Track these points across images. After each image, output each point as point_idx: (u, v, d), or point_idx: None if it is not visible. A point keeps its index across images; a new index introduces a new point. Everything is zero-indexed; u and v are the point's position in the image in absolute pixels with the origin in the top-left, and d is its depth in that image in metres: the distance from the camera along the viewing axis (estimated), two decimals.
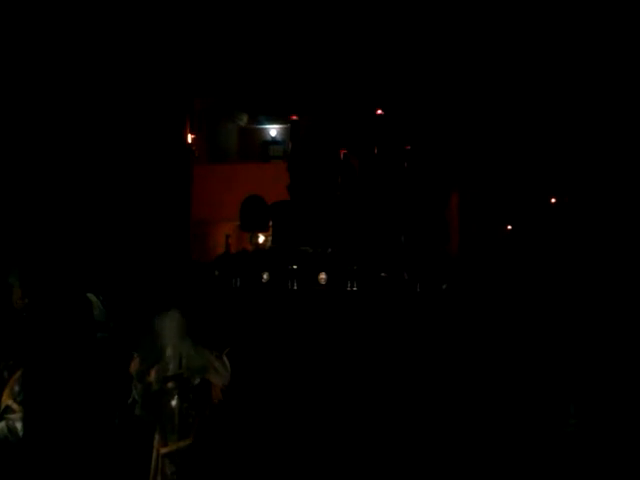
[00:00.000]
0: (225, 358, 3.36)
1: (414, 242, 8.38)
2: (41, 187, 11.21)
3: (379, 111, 8.68)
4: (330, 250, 8.44)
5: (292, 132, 9.06)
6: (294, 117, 8.90)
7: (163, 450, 3.15)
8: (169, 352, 3.29)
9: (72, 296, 7.22)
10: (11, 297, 5.57)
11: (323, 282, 8.30)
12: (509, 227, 12.53)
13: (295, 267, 8.29)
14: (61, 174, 11.69)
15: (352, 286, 8.17)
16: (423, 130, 11.45)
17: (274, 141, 18.07)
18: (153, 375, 3.29)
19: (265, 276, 8.46)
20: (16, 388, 3.12)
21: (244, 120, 18.42)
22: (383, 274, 8.14)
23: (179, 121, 16.83)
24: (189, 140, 17.28)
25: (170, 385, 3.25)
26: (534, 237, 11.87)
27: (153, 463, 3.17)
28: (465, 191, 12.86)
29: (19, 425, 3.02)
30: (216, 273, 8.11)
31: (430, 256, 8.57)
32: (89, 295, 6.99)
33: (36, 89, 11.08)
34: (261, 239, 8.98)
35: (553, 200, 12.71)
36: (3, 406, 3.03)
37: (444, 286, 7.76)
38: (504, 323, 7.06)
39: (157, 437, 3.21)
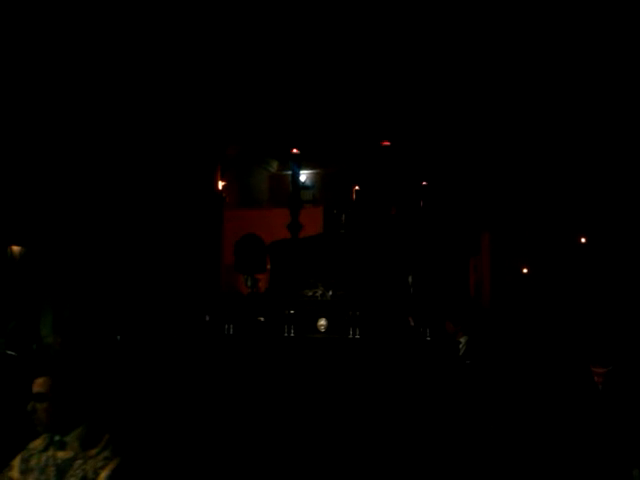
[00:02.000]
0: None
1: (424, 284, 6.97)
2: (74, 237, 10.67)
3: (386, 142, 7.52)
4: (331, 293, 7.15)
5: (293, 167, 7.99)
6: (295, 151, 7.83)
7: None
8: None
9: (104, 340, 6.28)
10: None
11: (323, 329, 7.02)
12: (525, 270, 10.85)
13: (292, 312, 7.05)
14: (89, 220, 11.11)
15: (355, 333, 6.83)
16: (445, 167, 10.21)
17: (304, 186, 17.14)
18: None
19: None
20: None
21: (274, 166, 17.65)
22: (391, 320, 6.76)
23: (210, 168, 16.29)
24: (220, 187, 16.64)
25: None
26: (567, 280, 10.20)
27: None
28: (496, 231, 11.34)
29: None
30: (207, 318, 6.95)
31: (444, 300, 7.13)
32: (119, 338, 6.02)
33: (74, 138, 10.69)
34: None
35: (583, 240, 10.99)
36: None
37: (462, 343, 6.20)
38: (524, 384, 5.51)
39: None
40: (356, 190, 9.16)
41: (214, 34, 12.32)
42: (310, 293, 7.21)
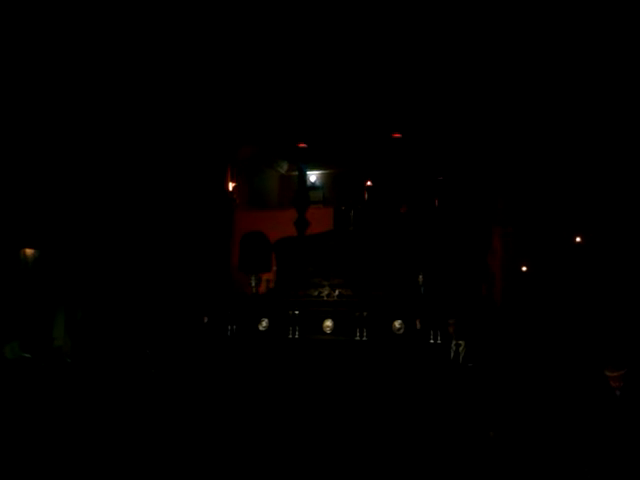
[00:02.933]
0: None
1: (435, 283, 6.48)
2: (85, 240, 10.43)
3: (397, 134, 7.05)
4: (338, 293, 6.70)
5: (299, 161, 7.57)
6: (302, 145, 7.40)
7: None
8: None
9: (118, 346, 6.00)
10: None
11: (329, 330, 6.58)
12: (524, 268, 10.21)
13: (297, 313, 6.62)
14: (101, 223, 10.85)
15: (362, 336, 6.38)
16: (462, 161, 9.63)
17: (313, 187, 16.74)
18: None
19: (264, 323, 6.84)
20: None
21: (284, 167, 17.23)
22: (399, 321, 6.29)
23: (221, 170, 15.95)
24: (230, 188, 16.29)
25: None
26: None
27: None
28: (508, 226, 10.72)
29: None
30: (205, 320, 6.52)
31: (458, 300, 6.64)
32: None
33: (86, 143, 10.47)
34: None
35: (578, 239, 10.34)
36: None
37: (462, 345, 5.68)
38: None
39: None
40: (367, 186, 8.69)
41: (223, 36, 11.99)
42: (316, 293, 6.77)
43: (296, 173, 17.53)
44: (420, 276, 6.22)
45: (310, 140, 12.71)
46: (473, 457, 4.97)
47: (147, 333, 8.06)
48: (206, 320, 6.46)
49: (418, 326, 5.93)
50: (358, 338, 6.37)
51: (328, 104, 11.48)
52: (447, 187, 8.55)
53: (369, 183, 8.61)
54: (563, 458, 4.37)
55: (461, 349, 5.71)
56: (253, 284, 6.90)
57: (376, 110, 9.23)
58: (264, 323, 6.80)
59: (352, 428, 5.67)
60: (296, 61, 12.33)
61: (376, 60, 9.42)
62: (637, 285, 9.10)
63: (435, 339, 5.98)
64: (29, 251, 9.48)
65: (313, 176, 17.24)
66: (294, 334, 6.61)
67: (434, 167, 8.80)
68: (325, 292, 6.70)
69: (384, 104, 8.54)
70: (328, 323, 6.57)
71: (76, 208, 10.11)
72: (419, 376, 5.78)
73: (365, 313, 6.35)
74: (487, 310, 8.25)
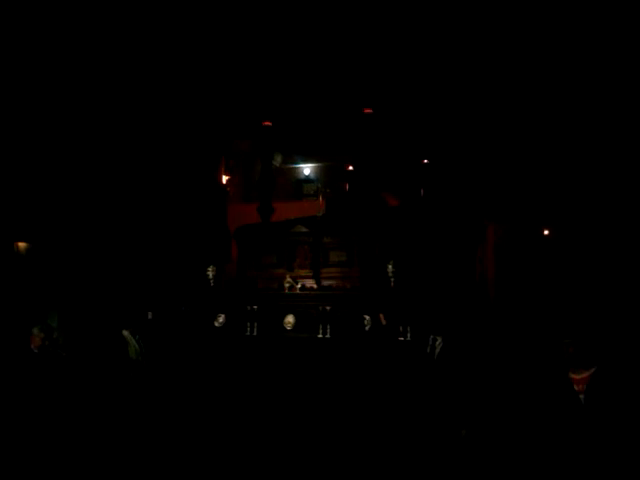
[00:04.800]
0: None
1: (408, 276, 5.61)
2: (79, 231, 9.87)
3: (367, 110, 6.17)
4: (300, 286, 5.86)
5: (264, 139, 6.77)
6: (267, 123, 6.59)
7: None
8: None
9: (108, 335, 5.36)
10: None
11: (290, 327, 5.75)
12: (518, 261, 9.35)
13: (256, 308, 5.79)
14: (92, 215, 10.25)
15: (325, 333, 5.53)
16: (448, 144, 8.72)
17: (307, 179, 16.11)
18: None
19: (220, 319, 6.02)
20: None
21: (278, 160, 16.46)
22: (366, 317, 5.44)
23: (214, 163, 15.25)
24: (224, 181, 15.57)
25: None
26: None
27: None
28: (501, 222, 9.79)
29: None
30: (149, 316, 5.73)
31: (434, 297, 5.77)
32: (125, 333, 5.12)
33: (78, 134, 9.90)
34: None
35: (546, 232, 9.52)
36: None
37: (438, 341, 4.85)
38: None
39: None
40: (348, 171, 7.85)
41: (213, 29, 11.32)
42: (276, 286, 5.94)
43: (290, 166, 16.76)
44: (390, 268, 5.35)
45: (293, 126, 11.88)
46: (443, 456, 4.23)
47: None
48: (150, 316, 5.69)
49: (385, 322, 5.08)
50: (321, 335, 5.53)
51: (307, 83, 10.61)
52: (433, 172, 7.66)
53: (350, 168, 7.76)
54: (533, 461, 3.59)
55: (437, 343, 4.90)
56: (211, 276, 6.08)
57: (352, 83, 8.31)
58: (220, 319, 5.99)
59: (311, 430, 4.91)
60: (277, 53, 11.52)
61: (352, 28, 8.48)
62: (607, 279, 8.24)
63: (405, 335, 5.13)
64: (22, 245, 9.04)
65: (307, 169, 16.55)
66: (252, 331, 5.79)
67: (417, 149, 7.91)
68: (287, 285, 5.87)
69: (358, 74, 7.61)
70: (289, 319, 5.74)
71: (67, 201, 9.57)
72: (386, 375, 4.96)
73: (328, 308, 5.50)
74: (473, 305, 7.37)
